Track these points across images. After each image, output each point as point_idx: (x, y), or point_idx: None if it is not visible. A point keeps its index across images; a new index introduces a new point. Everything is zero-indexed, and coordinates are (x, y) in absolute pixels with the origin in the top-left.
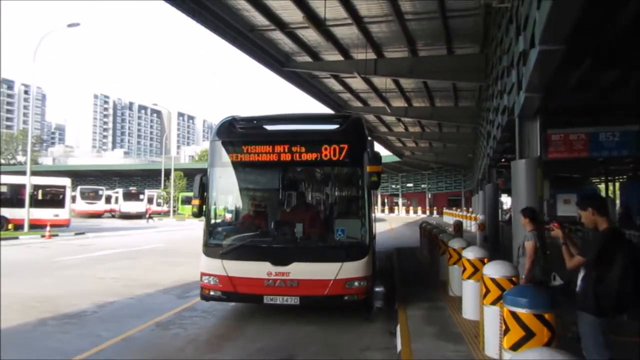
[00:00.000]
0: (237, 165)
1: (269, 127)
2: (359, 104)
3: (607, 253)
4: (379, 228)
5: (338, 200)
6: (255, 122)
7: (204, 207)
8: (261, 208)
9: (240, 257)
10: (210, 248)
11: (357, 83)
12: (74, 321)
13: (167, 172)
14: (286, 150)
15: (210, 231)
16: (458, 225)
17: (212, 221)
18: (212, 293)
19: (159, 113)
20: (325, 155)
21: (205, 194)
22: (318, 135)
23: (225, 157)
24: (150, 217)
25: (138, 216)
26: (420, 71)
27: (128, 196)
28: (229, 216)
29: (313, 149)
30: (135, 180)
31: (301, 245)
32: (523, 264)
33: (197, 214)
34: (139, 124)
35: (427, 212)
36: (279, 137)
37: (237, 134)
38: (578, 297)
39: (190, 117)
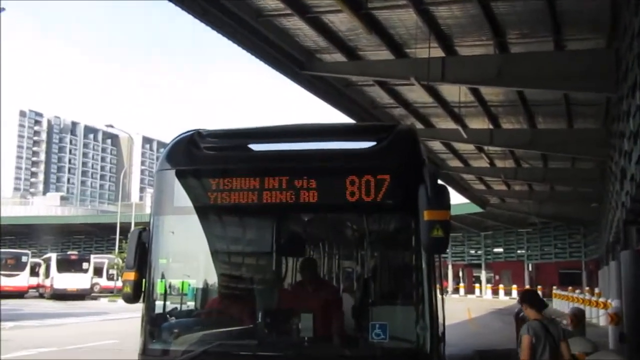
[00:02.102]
0: (203, 213)
1: (257, 147)
2: (418, 124)
3: None
4: (450, 318)
5: (375, 273)
6: (233, 138)
7: (144, 284)
8: (242, 287)
9: None
10: (153, 358)
11: (415, 93)
12: None
13: (126, 228)
14: (285, 185)
15: (153, 327)
16: (577, 316)
17: (157, 310)
18: None
19: (115, 138)
20: (352, 194)
21: (146, 261)
22: (340, 160)
23: (181, 198)
24: (98, 297)
25: (80, 295)
26: (513, 75)
27: (65, 264)
28: (188, 301)
29: (331, 182)
30: (77, 240)
31: (311, 353)
32: None
33: (131, 297)
34: (85, 155)
35: None
36: (274, 162)
37: (202, 158)
38: None
39: (162, 144)
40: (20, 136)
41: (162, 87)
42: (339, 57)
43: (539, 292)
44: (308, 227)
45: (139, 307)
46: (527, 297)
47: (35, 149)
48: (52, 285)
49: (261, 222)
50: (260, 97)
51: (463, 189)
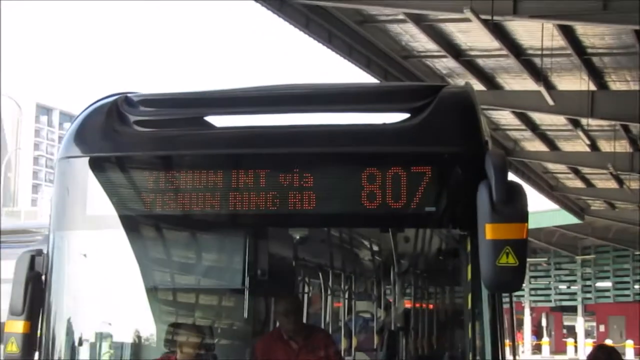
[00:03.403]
0: (133, 226)
1: (224, 122)
2: (477, 84)
3: None
4: None
5: (406, 323)
6: (185, 106)
7: (38, 339)
8: (198, 340)
9: None
10: None
11: (472, 34)
12: None
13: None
14: (264, 183)
15: None
16: None
17: None
18: None
19: None
20: (370, 197)
21: (42, 303)
22: (349, 142)
23: (98, 203)
24: None
25: None
26: (629, 3)
27: None
28: None
29: (336, 179)
30: None
31: None
32: None
33: (18, 358)
34: None
35: None
36: (249, 145)
37: (132, 139)
38: None
39: (68, 117)
40: None
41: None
42: None
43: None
44: (299, 251)
45: None
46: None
47: None
48: None
49: (226, 242)
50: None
51: (547, 188)
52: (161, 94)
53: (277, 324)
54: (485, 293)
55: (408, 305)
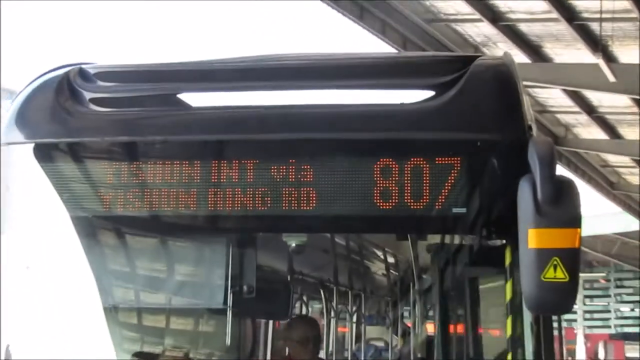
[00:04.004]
0: (89, 232)
1: (205, 100)
2: (518, 54)
3: None
4: None
5: (428, 353)
6: (155, 80)
7: None
8: None
9: None
10: None
11: None
12: None
13: None
14: (252, 177)
15: None
16: None
17: None
18: None
19: None
20: (385, 195)
21: None
22: (361, 127)
23: (44, 202)
24: None
25: None
26: None
27: None
28: None
29: (345, 174)
30: None
31: None
32: None
33: None
34: None
35: None
36: (236, 130)
37: (87, 121)
38: None
39: (9, 94)
40: None
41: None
42: None
43: None
44: (295, 262)
45: None
46: None
47: None
48: None
49: (207, 251)
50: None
51: (606, 186)
52: (124, 65)
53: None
54: (528, 316)
55: (431, 331)
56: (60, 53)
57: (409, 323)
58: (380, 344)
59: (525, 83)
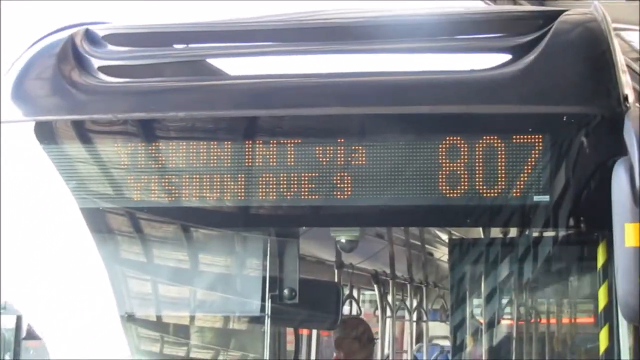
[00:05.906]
0: (100, 224)
1: (235, 66)
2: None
3: None
4: None
5: (511, 352)
6: (180, 40)
7: None
8: None
9: None
10: None
11: None
12: None
13: None
14: (292, 158)
15: None
16: None
17: None
18: None
19: None
20: (452, 179)
21: None
22: (424, 95)
23: (48, 187)
24: None
25: None
26: None
27: None
28: None
29: (403, 151)
30: None
31: None
32: None
33: None
34: None
35: None
36: (278, 105)
37: (94, 92)
38: None
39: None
40: None
41: None
42: None
43: None
44: (345, 258)
45: None
46: None
47: None
48: None
49: (243, 248)
50: None
51: None
52: (140, 25)
53: (337, 354)
54: (625, 325)
55: (507, 330)
56: None
57: (480, 320)
58: (446, 343)
59: (616, 25)
